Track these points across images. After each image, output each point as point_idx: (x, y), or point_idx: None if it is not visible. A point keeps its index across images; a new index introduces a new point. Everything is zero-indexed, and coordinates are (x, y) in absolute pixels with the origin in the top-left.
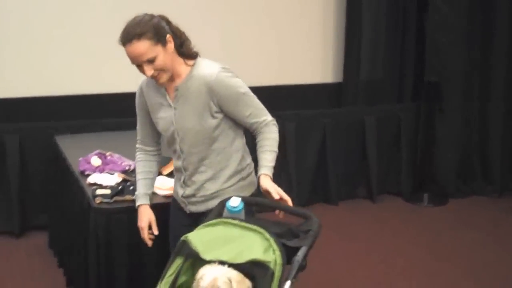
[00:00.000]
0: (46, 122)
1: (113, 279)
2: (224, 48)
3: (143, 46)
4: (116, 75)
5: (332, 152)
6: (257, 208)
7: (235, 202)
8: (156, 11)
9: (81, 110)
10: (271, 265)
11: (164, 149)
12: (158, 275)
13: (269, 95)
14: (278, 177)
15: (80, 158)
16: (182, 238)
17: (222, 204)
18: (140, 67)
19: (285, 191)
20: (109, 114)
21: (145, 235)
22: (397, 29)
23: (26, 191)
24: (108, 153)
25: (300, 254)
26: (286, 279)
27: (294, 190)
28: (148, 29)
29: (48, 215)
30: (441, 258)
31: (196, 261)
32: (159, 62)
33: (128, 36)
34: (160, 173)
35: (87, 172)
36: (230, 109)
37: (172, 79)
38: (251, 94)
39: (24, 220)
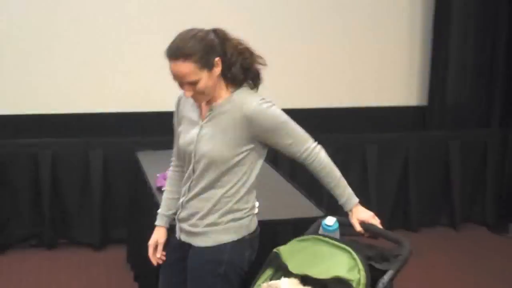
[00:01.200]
0: (129, 138)
1: None
2: (311, 68)
3: (187, 68)
4: None
5: (414, 177)
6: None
7: (330, 221)
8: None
9: (163, 126)
10: (354, 284)
11: None
12: None
13: (352, 117)
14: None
15: (158, 174)
16: (274, 250)
17: (318, 223)
18: (180, 85)
19: None
20: None
21: (150, 254)
22: (486, 50)
23: (108, 205)
24: None
25: (386, 277)
26: None
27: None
28: (197, 50)
29: (128, 229)
30: None
31: (285, 274)
32: (201, 86)
33: (176, 53)
34: None
35: (163, 188)
36: (270, 139)
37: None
38: (291, 121)
39: (105, 234)
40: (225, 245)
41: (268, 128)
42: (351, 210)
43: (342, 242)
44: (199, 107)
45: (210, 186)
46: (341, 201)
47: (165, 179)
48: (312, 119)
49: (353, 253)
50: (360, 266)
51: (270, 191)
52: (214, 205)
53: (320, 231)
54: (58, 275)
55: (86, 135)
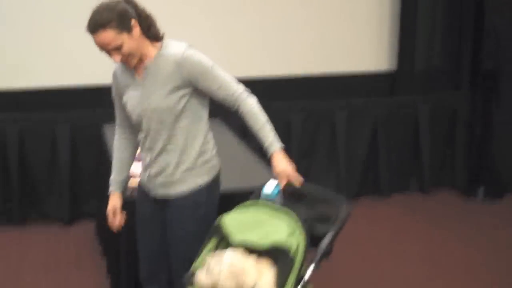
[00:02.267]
0: (95, 110)
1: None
2: (279, 35)
3: (108, 36)
4: None
5: (384, 143)
6: None
7: (269, 188)
8: None
9: None
10: (292, 251)
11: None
12: None
13: (320, 84)
14: (326, 168)
15: None
16: (217, 220)
17: (259, 188)
18: (108, 53)
19: (335, 182)
20: None
21: (110, 221)
22: (454, 14)
23: (77, 179)
24: None
25: (325, 240)
26: (310, 263)
27: (343, 181)
28: (112, 17)
29: (97, 203)
30: (490, 255)
31: (229, 243)
32: (126, 48)
33: (94, 26)
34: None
35: None
36: (200, 83)
37: (141, 60)
38: (218, 68)
39: (75, 208)
40: (200, 187)
41: (197, 72)
42: (272, 155)
43: (283, 206)
44: (135, 70)
45: (171, 136)
46: (264, 145)
47: None
48: (281, 87)
49: (294, 216)
50: (300, 230)
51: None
52: (182, 153)
53: (261, 197)
54: (28, 250)
55: (53, 110)
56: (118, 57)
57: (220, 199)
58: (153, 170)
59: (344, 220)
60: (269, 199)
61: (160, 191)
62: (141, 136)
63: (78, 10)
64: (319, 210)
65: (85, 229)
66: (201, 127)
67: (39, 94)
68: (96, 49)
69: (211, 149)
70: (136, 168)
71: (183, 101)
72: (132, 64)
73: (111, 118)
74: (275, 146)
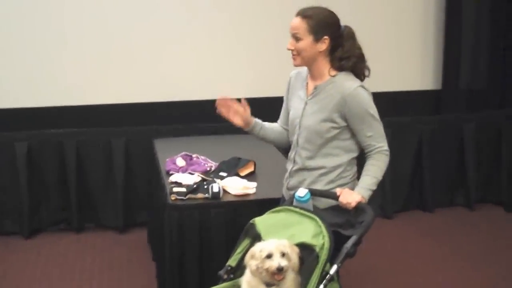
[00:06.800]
0: (148, 127)
1: (184, 271)
2: None
3: (299, 25)
4: (214, 81)
5: (429, 159)
6: None
7: (302, 193)
8: None
9: (178, 115)
10: (317, 249)
11: (242, 152)
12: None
13: None
14: None
15: (167, 159)
16: (251, 221)
17: (293, 195)
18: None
19: (380, 196)
20: (205, 119)
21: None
22: (500, 33)
23: (130, 190)
24: (194, 155)
25: (350, 242)
26: (333, 263)
27: (388, 196)
28: (316, 18)
29: (147, 212)
30: None
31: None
32: (301, 45)
33: (301, 11)
34: (237, 174)
35: (171, 172)
36: (354, 124)
37: (315, 77)
38: (378, 119)
39: (128, 217)
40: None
41: (357, 113)
42: (359, 194)
43: (310, 211)
44: (306, 85)
45: (311, 157)
46: (361, 184)
47: (174, 163)
48: None
49: (318, 220)
50: (325, 232)
51: (270, 170)
52: (319, 175)
53: (294, 202)
54: (84, 256)
55: (108, 124)
56: (290, 45)
57: (257, 205)
58: (291, 182)
59: (369, 225)
60: (301, 201)
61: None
62: (291, 147)
63: (146, 31)
64: (346, 218)
65: (138, 237)
66: (344, 161)
67: (96, 109)
68: (148, 70)
69: (350, 176)
70: (177, 177)
71: (334, 131)
72: (295, 62)
73: (161, 134)
74: (362, 191)
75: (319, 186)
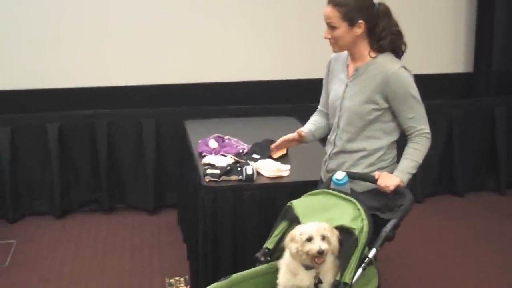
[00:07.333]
0: (178, 108)
1: (218, 253)
2: None
3: (331, 13)
4: (244, 64)
5: (460, 143)
6: None
7: (340, 175)
8: None
9: (210, 97)
10: (356, 232)
11: (275, 134)
12: (258, 250)
13: None
14: None
15: (200, 141)
16: (288, 203)
17: (331, 178)
18: (327, 25)
19: (411, 180)
20: (236, 101)
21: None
22: None
23: (160, 172)
24: (226, 137)
25: (389, 225)
26: (371, 247)
27: (418, 180)
28: (347, 4)
29: (177, 194)
30: None
31: (297, 225)
32: (337, 33)
33: (332, 0)
34: (270, 156)
35: (204, 154)
36: (395, 106)
37: (355, 59)
38: (420, 101)
39: (158, 198)
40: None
41: (400, 93)
42: (397, 177)
43: (349, 194)
44: (347, 67)
45: (353, 139)
46: (400, 167)
47: (206, 145)
48: None
49: (357, 204)
50: (364, 215)
51: (303, 152)
52: (360, 158)
53: (332, 185)
54: (114, 237)
55: (139, 105)
56: (327, 34)
57: (291, 187)
58: (330, 165)
59: (408, 209)
60: (339, 184)
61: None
62: (330, 130)
63: (176, 13)
64: (385, 201)
65: (168, 218)
66: (385, 143)
67: (127, 90)
68: (179, 52)
69: (390, 159)
70: (210, 159)
71: (376, 113)
72: (333, 49)
73: (192, 115)
74: (401, 174)
75: (359, 169)
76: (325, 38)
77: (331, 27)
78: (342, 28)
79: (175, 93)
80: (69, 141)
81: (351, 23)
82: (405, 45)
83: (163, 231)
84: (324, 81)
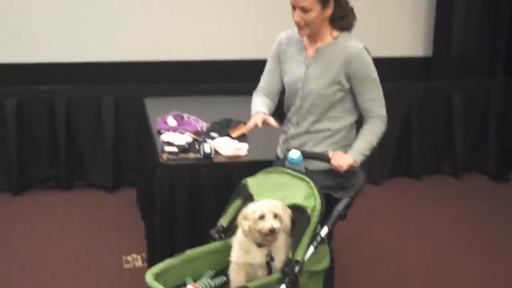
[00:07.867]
0: (138, 85)
1: (174, 230)
2: None
3: None
4: (204, 42)
5: (417, 126)
6: None
7: (294, 154)
8: None
9: (169, 74)
10: (309, 210)
11: (234, 114)
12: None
13: None
14: None
15: (158, 118)
16: (243, 181)
17: (285, 156)
18: (294, 8)
19: (367, 163)
20: (196, 79)
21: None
22: (491, 1)
23: (120, 149)
24: (185, 115)
25: (341, 204)
26: (324, 226)
27: (376, 162)
28: None
29: (136, 171)
30: None
31: (251, 203)
32: (310, 17)
33: None
34: (228, 135)
35: (162, 131)
36: (355, 86)
37: (314, 40)
38: (379, 84)
39: (117, 176)
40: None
41: (361, 74)
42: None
43: (302, 173)
44: (304, 48)
45: (318, 120)
46: (354, 147)
47: (165, 123)
48: None
49: (310, 182)
50: (316, 194)
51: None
52: (324, 138)
53: (287, 163)
54: (73, 214)
55: (99, 82)
56: (297, 18)
57: (248, 166)
58: (292, 145)
59: (360, 188)
60: (294, 163)
61: None
62: (289, 110)
63: None
64: (338, 180)
65: (127, 196)
66: (348, 121)
67: (86, 67)
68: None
69: (347, 145)
70: (168, 136)
71: (340, 94)
72: (303, 33)
73: (152, 92)
74: (355, 154)
75: (323, 147)
76: (295, 21)
77: (305, 10)
78: (316, 11)
79: (135, 70)
80: (27, 116)
81: (325, 5)
82: (355, 20)
83: (122, 209)
84: (270, 60)
